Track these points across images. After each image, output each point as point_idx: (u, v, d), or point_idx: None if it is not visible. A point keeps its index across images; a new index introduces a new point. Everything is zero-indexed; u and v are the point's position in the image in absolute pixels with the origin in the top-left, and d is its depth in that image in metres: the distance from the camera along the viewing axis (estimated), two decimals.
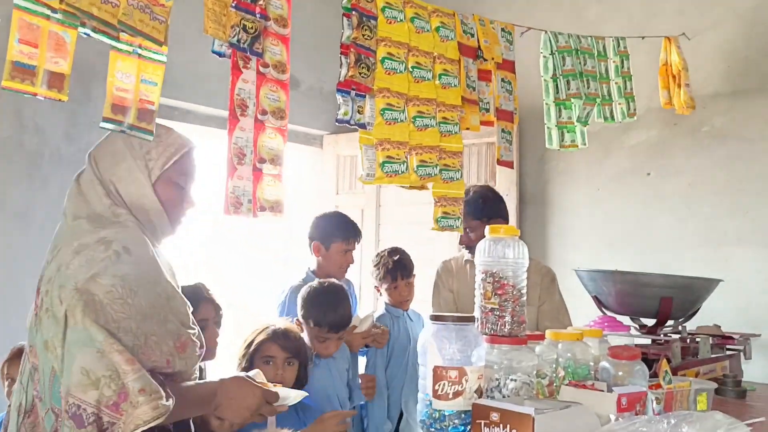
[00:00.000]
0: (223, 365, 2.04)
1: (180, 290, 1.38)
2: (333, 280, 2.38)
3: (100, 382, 1.17)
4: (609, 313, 2.33)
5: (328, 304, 2.14)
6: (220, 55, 1.37)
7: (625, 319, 2.33)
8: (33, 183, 2.82)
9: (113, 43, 1.18)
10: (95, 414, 1.17)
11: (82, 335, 1.20)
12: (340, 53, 1.65)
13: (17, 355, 1.96)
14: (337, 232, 2.66)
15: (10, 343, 2.01)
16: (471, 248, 2.60)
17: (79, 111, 2.89)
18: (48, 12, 1.11)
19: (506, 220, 2.58)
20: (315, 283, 2.27)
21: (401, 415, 2.66)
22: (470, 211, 2.35)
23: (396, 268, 2.70)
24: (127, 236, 1.30)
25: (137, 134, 1.23)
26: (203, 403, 1.37)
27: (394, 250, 2.80)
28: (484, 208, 2.45)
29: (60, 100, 1.09)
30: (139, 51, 1.23)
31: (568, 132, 2.42)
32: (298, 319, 2.21)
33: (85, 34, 1.11)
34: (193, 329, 1.36)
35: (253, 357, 1.96)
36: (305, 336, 2.16)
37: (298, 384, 2.00)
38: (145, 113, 1.24)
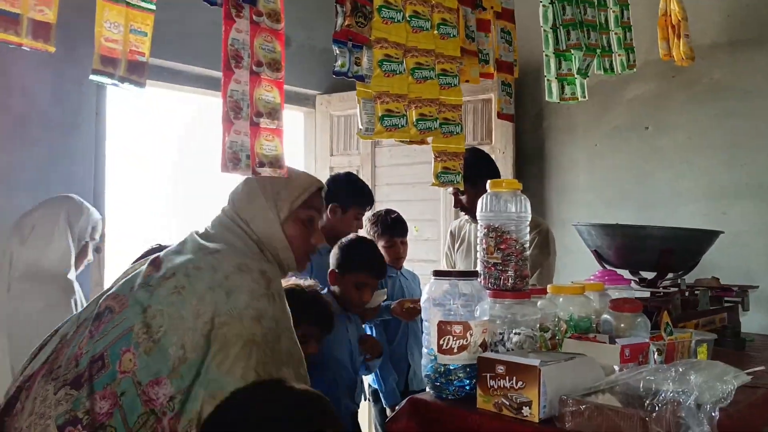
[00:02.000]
0: None
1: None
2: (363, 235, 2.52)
3: None
4: (609, 267, 2.32)
5: (369, 251, 2.28)
6: (211, 3, 1.30)
7: (625, 273, 2.33)
8: (21, 146, 2.75)
9: None
10: None
11: (223, 380, 1.18)
12: (336, 2, 1.58)
13: None
14: (358, 197, 2.70)
15: None
16: (465, 210, 2.64)
17: (65, 71, 2.80)
18: None
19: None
20: (351, 236, 2.39)
21: (408, 368, 2.74)
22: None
23: (394, 226, 2.78)
24: (278, 280, 1.37)
25: (128, 87, 1.18)
26: None
27: (390, 210, 2.88)
28: (468, 170, 2.45)
29: (47, 50, 1.04)
30: None
31: (568, 84, 2.37)
32: (333, 270, 2.27)
33: None
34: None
35: None
36: (336, 289, 2.25)
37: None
38: (136, 65, 1.19)
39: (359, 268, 2.22)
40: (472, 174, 2.46)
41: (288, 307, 1.36)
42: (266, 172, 1.27)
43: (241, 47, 1.23)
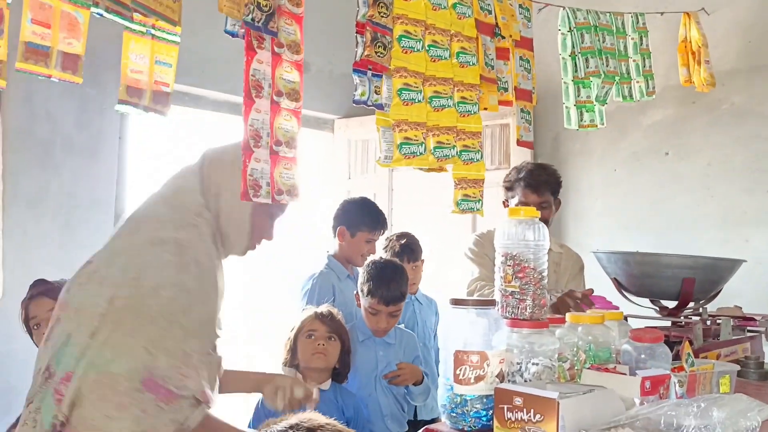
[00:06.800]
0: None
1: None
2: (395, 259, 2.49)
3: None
4: (629, 296, 2.30)
5: (382, 276, 2.22)
6: (233, 35, 1.33)
7: (646, 302, 2.30)
8: (45, 171, 2.80)
9: (126, 23, 1.16)
10: None
11: (108, 360, 1.15)
12: (356, 32, 1.60)
13: (43, 293, 1.86)
14: (365, 220, 2.70)
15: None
16: (547, 223, 2.58)
17: (89, 97, 2.86)
18: None
19: None
20: (377, 257, 2.38)
21: None
22: (552, 189, 2.45)
23: (402, 251, 2.75)
24: (197, 248, 1.28)
25: (152, 116, 1.21)
26: None
27: (402, 234, 2.86)
28: (558, 185, 2.48)
29: (74, 82, 1.07)
30: (153, 31, 1.21)
31: (587, 111, 2.36)
32: (357, 293, 2.30)
33: (98, 14, 1.08)
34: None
35: (297, 337, 2.03)
36: (362, 311, 2.26)
37: (343, 367, 2.08)
38: (160, 95, 1.22)
39: (369, 292, 2.22)
40: (559, 187, 2.48)
41: (213, 276, 1.28)
42: (284, 199, 1.29)
43: (262, 77, 1.25)
